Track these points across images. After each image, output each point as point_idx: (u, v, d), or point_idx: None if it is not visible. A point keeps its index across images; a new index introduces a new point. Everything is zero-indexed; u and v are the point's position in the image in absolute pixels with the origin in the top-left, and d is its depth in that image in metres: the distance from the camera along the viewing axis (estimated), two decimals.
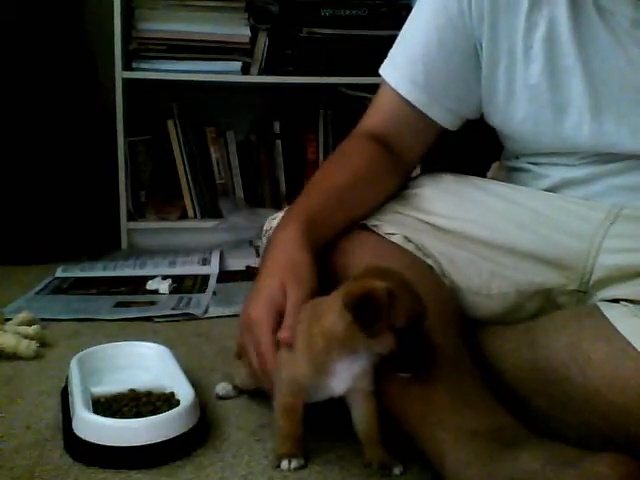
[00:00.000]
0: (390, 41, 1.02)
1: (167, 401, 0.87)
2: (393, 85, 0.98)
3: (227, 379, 1.00)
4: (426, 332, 0.72)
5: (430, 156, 1.05)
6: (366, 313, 0.70)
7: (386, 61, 1.01)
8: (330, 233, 0.89)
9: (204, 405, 0.92)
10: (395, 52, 1.01)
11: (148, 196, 2.08)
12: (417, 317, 0.71)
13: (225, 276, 1.76)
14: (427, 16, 0.96)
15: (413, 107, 0.98)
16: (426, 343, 0.72)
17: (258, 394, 0.94)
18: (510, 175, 1.03)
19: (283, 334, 0.77)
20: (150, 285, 1.61)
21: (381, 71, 1.01)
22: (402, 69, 0.98)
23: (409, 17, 1.00)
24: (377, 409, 0.78)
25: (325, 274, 0.84)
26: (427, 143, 1.02)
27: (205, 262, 1.85)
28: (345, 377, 0.75)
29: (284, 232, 0.85)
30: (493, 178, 1.06)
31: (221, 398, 0.98)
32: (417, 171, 1.25)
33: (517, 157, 1.02)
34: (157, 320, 1.38)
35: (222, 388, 1.00)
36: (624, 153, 0.89)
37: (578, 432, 0.76)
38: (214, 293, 1.59)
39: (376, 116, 1.02)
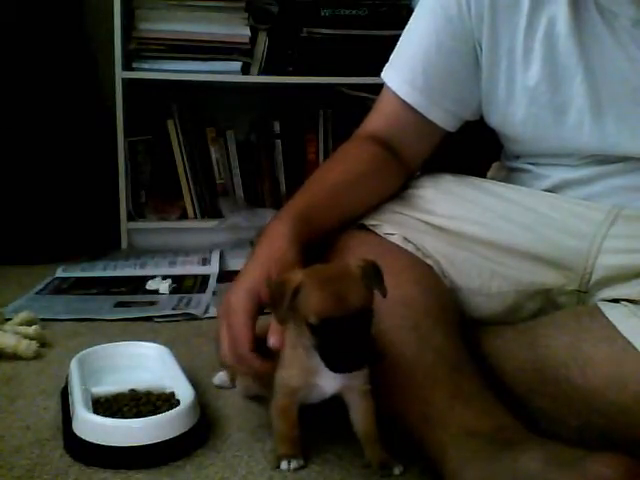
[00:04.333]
0: (390, 41, 1.02)
1: (167, 401, 0.87)
2: (393, 88, 0.99)
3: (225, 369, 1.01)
4: (363, 335, 0.69)
5: (430, 156, 1.05)
6: (273, 299, 0.73)
7: (387, 64, 1.02)
8: (323, 229, 0.89)
9: (204, 405, 0.92)
10: (396, 55, 1.01)
11: (148, 196, 2.08)
12: (329, 316, 0.68)
13: (225, 276, 1.75)
14: (426, 18, 0.97)
15: (413, 110, 0.98)
16: (351, 344, 0.68)
17: (258, 396, 0.94)
18: (510, 175, 1.03)
19: (273, 341, 0.75)
20: (150, 285, 1.61)
21: (382, 75, 1.01)
22: (402, 72, 0.98)
23: (410, 20, 1.00)
24: (374, 408, 0.78)
25: None
26: (430, 145, 1.03)
27: (205, 262, 1.85)
28: (333, 375, 0.74)
29: (274, 225, 0.85)
30: (493, 178, 1.06)
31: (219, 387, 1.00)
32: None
33: (517, 157, 1.02)
34: (157, 320, 1.38)
35: (218, 378, 1.01)
36: (625, 154, 0.88)
37: (578, 432, 0.76)
38: (214, 293, 1.59)
39: (378, 119, 1.02)
